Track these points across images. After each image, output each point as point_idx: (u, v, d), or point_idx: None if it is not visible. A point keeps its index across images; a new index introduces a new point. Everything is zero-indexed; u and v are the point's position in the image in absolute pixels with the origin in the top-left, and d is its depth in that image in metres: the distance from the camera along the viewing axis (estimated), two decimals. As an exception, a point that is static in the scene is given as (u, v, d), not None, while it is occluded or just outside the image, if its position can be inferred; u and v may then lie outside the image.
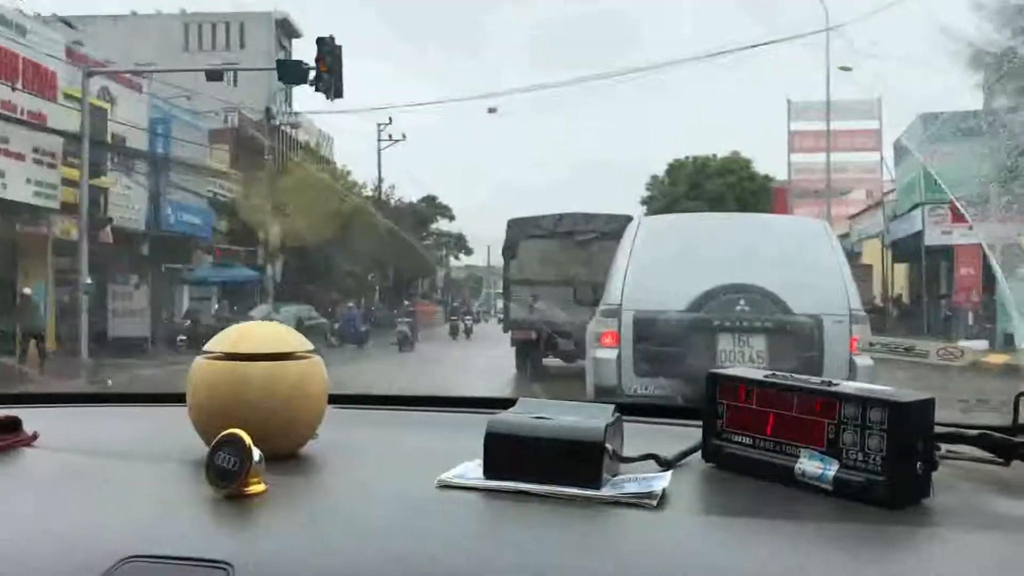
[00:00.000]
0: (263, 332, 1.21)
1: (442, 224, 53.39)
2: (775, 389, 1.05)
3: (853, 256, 25.36)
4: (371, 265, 35.36)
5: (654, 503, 0.95)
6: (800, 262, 6.31)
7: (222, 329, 1.23)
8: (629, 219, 8.54)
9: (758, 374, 1.10)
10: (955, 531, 0.91)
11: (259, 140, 29.16)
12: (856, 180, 33.40)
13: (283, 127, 32.69)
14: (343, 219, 28.95)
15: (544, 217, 14.98)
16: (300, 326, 15.59)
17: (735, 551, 0.86)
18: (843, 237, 23.20)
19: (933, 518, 0.94)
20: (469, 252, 58.85)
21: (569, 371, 12.12)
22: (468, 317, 41.66)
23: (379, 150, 43.91)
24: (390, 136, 44.27)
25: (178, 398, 1.31)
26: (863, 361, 6.02)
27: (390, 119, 43.48)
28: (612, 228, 11.59)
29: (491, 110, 40.65)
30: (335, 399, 1.32)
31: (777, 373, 1.09)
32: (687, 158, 42.42)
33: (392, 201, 42.01)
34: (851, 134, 31.87)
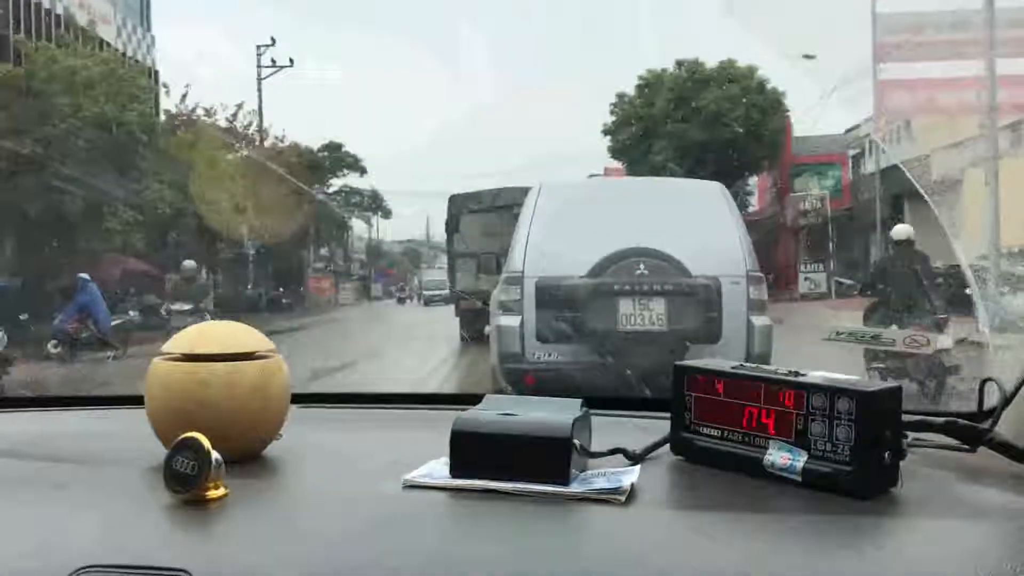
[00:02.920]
0: (222, 332, 1.18)
1: (351, 179, 41.81)
2: (743, 380, 1.04)
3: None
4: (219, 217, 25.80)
5: (623, 499, 0.93)
6: (698, 225, 6.40)
7: None
8: None
9: (725, 366, 1.09)
10: (924, 519, 0.91)
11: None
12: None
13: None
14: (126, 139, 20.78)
15: (483, 192, 15.53)
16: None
17: (705, 545, 0.85)
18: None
19: (901, 507, 0.93)
20: (388, 214, 48.19)
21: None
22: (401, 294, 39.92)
23: (259, 78, 33.86)
24: (273, 61, 34.35)
25: (136, 400, 1.27)
26: (760, 321, 6.19)
27: (272, 40, 34.41)
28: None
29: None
30: (299, 398, 1.30)
31: (745, 365, 1.09)
32: (663, 70, 31.38)
33: (276, 142, 31.56)
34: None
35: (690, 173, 26.63)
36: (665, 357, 5.40)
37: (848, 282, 21.30)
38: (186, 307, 13.01)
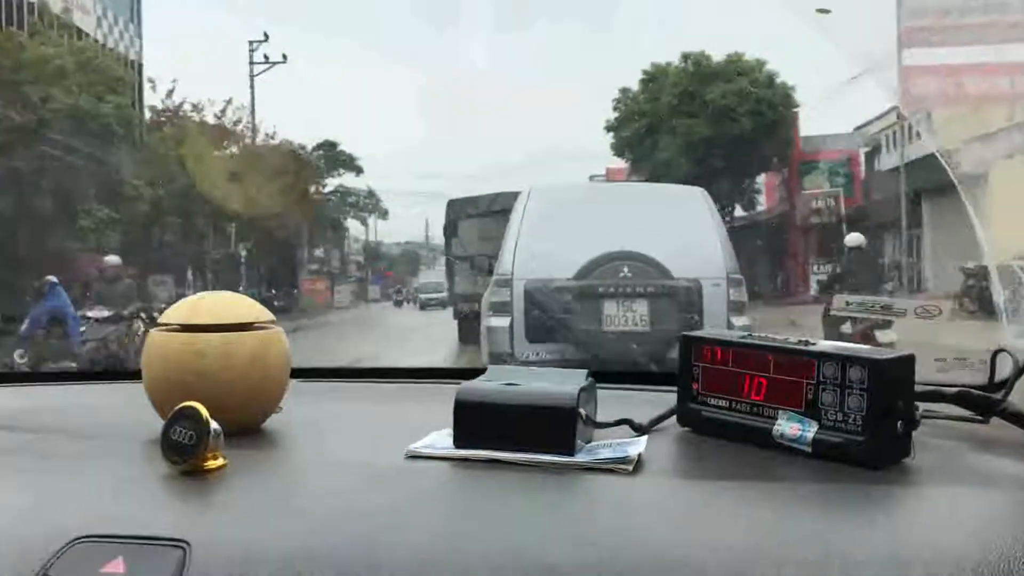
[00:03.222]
0: (220, 301, 1.16)
1: (346, 179, 40.35)
2: (751, 350, 1.02)
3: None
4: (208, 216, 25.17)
5: (629, 468, 0.92)
6: (680, 229, 6.63)
7: None
8: None
9: (733, 335, 1.07)
10: (937, 490, 0.90)
11: None
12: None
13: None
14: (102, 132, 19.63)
15: (480, 197, 15.77)
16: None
17: (712, 516, 0.83)
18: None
19: (914, 477, 0.92)
20: (384, 215, 47.50)
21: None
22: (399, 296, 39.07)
23: (251, 75, 32.69)
24: (266, 57, 33.20)
25: (134, 374, 1.26)
26: (740, 321, 6.38)
27: (265, 35, 33.23)
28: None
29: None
30: (300, 373, 1.28)
31: (753, 334, 1.06)
32: (668, 64, 30.04)
33: (266, 139, 30.36)
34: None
35: (696, 169, 25.69)
36: (644, 356, 6.00)
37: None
38: (105, 313, 10.49)
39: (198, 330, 1.10)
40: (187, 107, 27.22)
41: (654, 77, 29.88)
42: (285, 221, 28.09)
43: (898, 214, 25.32)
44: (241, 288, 27.49)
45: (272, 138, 30.92)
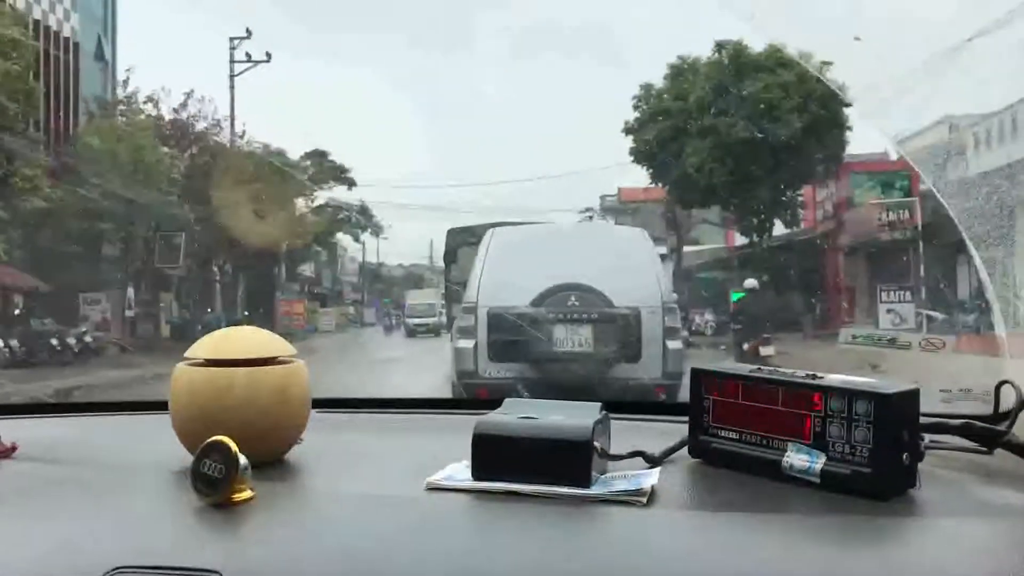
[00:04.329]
0: (244, 337, 1.20)
1: (337, 191, 36.07)
2: (761, 384, 1.05)
3: None
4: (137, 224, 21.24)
5: (644, 500, 0.95)
6: (622, 264, 7.60)
7: None
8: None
9: (743, 369, 1.10)
10: (942, 520, 0.92)
11: None
12: None
13: None
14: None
15: (479, 226, 15.90)
16: None
17: (725, 546, 0.86)
18: None
19: (920, 508, 0.94)
20: (378, 231, 43.10)
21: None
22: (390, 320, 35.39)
23: (231, 73, 29.95)
24: (248, 56, 30.49)
25: (159, 406, 1.29)
26: (673, 344, 7.35)
27: (248, 32, 30.50)
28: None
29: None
30: (319, 403, 1.31)
31: (763, 368, 1.09)
32: (697, 58, 25.06)
33: (244, 145, 27.11)
34: None
35: (730, 177, 22.79)
36: (590, 374, 7.03)
37: (939, 316, 18.06)
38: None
39: (224, 364, 1.13)
40: (142, 97, 24.15)
41: (681, 71, 25.29)
42: (255, 235, 24.05)
43: (978, 231, 22.14)
44: (209, 309, 26.01)
45: (242, 137, 27.48)
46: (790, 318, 21.50)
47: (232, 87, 29.85)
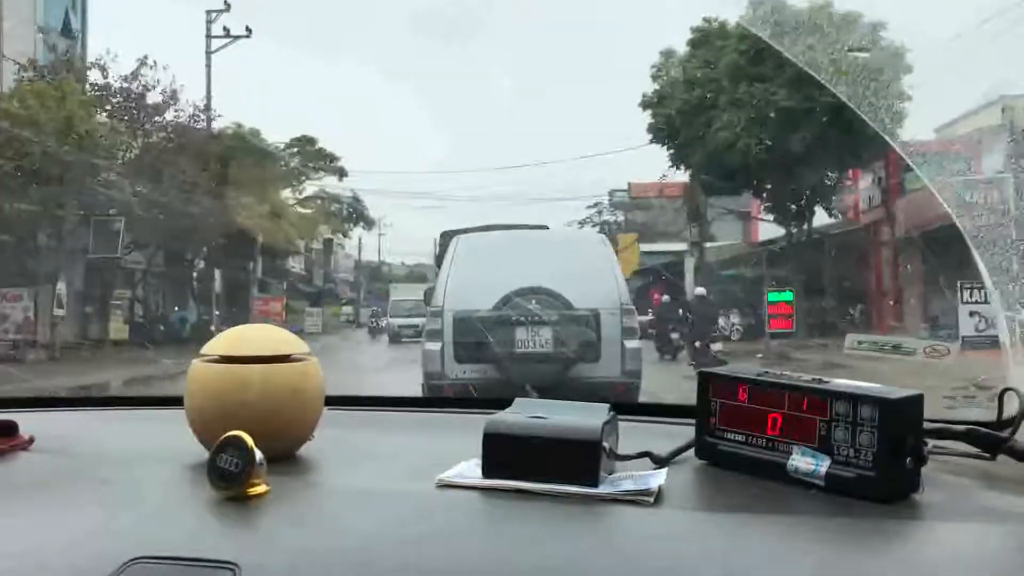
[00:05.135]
0: (259, 335, 1.22)
1: (327, 183, 32.86)
2: (767, 387, 1.07)
3: None
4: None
5: (651, 500, 0.96)
6: (582, 267, 7.97)
7: None
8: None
9: (751, 372, 1.11)
10: (945, 525, 0.94)
11: None
12: None
13: None
14: None
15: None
16: None
17: (731, 546, 0.87)
18: None
19: (923, 512, 0.96)
20: (370, 224, 40.12)
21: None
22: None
23: (208, 49, 27.04)
24: (226, 31, 27.47)
25: (175, 401, 1.31)
26: (631, 344, 7.73)
27: (227, 4, 27.52)
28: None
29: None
30: (331, 401, 1.33)
31: (769, 372, 1.11)
32: (716, 22, 21.76)
33: (195, 114, 23.32)
34: None
35: (767, 155, 19.68)
36: (551, 373, 7.32)
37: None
38: None
39: (240, 361, 1.16)
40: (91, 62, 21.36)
41: (707, 35, 22.34)
42: (230, 225, 21.92)
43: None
44: (176, 308, 22.81)
45: (200, 114, 23.55)
46: (829, 321, 20.23)
47: (209, 64, 26.92)
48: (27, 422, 1.27)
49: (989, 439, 1.08)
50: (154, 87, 21.47)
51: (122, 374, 13.82)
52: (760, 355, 16.74)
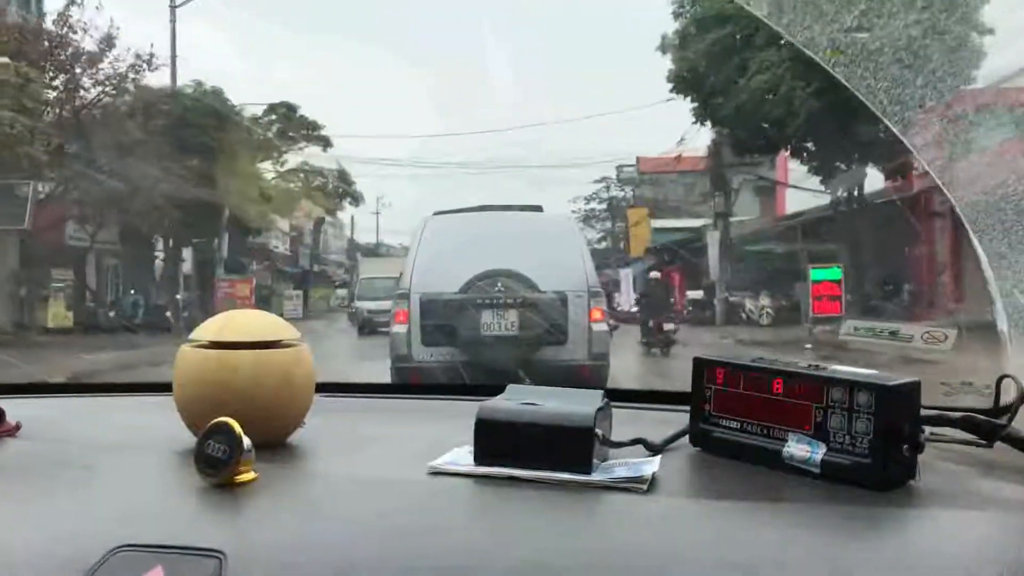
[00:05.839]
0: (249, 320, 1.20)
1: (311, 155, 28.80)
2: (762, 374, 1.06)
3: None
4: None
5: (644, 487, 0.95)
6: (550, 250, 7.92)
7: None
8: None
9: (745, 358, 1.10)
10: (941, 512, 0.93)
11: None
12: None
13: None
14: None
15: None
16: None
17: (725, 534, 0.86)
18: None
19: (919, 500, 0.95)
20: (357, 200, 35.72)
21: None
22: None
23: (172, 5, 23.35)
24: None
25: (163, 387, 1.30)
26: (598, 327, 7.69)
27: None
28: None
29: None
30: (322, 388, 1.32)
31: (764, 358, 1.10)
32: None
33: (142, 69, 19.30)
34: None
35: (818, 102, 15.48)
36: (517, 356, 7.24)
37: None
38: None
39: (229, 347, 1.14)
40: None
41: None
42: (189, 200, 18.89)
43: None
44: (132, 291, 20.12)
45: (144, 65, 19.20)
46: (871, 305, 17.43)
47: (173, 20, 23.35)
48: (14, 408, 1.26)
49: (986, 426, 1.07)
50: (84, 30, 18.03)
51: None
52: (809, 346, 13.56)
